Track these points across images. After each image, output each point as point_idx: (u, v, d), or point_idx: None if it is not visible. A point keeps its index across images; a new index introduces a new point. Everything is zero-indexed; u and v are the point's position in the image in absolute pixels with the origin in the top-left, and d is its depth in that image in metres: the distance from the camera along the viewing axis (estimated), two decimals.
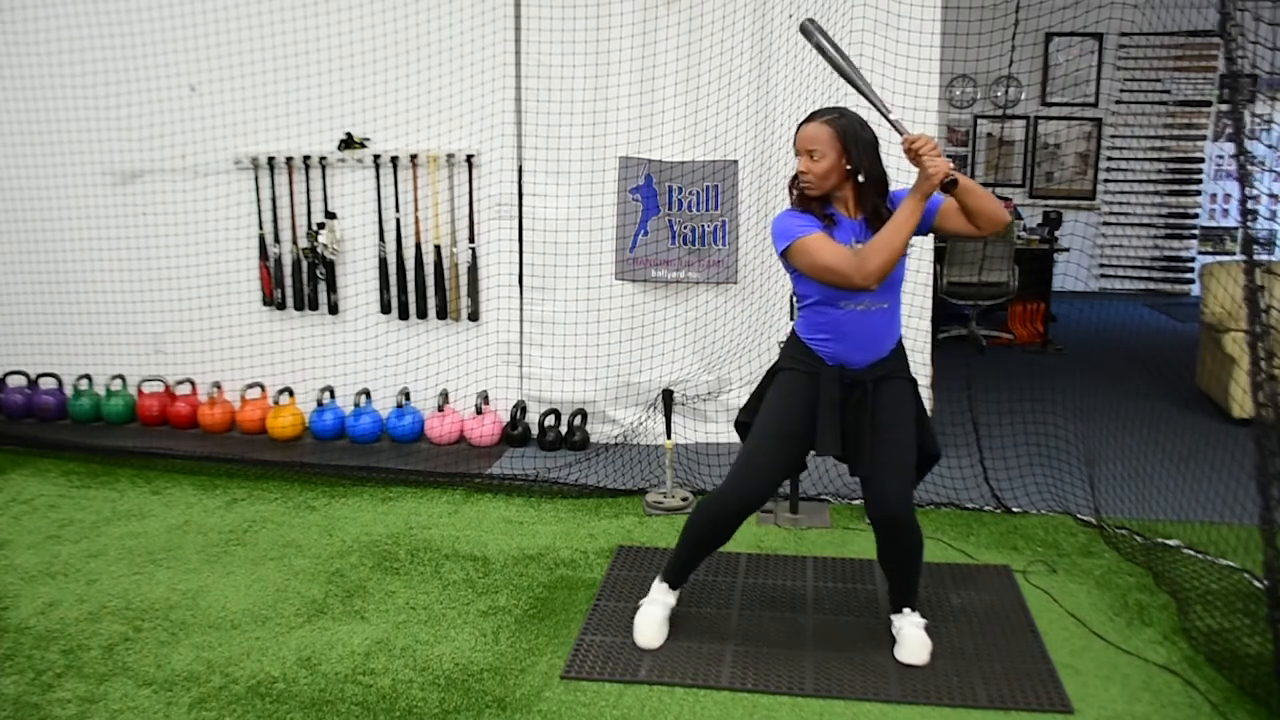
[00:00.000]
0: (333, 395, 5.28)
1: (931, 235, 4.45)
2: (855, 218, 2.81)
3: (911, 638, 2.98)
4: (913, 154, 2.62)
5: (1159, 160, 9.37)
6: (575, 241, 4.95)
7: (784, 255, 2.80)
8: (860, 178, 2.75)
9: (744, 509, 2.95)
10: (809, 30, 2.89)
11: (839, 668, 2.94)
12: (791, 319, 3.66)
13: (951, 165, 2.64)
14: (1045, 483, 4.36)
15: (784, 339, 3.07)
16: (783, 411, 2.90)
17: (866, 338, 2.83)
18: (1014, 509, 4.15)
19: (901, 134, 2.67)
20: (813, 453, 2.94)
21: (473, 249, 5.10)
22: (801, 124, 2.79)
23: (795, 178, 2.82)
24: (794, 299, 3.02)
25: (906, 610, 3.03)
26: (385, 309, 5.23)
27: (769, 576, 3.55)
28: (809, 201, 2.80)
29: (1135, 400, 5.60)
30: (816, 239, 2.72)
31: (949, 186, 2.63)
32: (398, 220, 5.16)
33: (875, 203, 2.78)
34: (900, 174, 4.68)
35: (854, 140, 2.72)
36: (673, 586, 3.14)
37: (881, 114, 2.74)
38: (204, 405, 5.41)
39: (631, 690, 2.85)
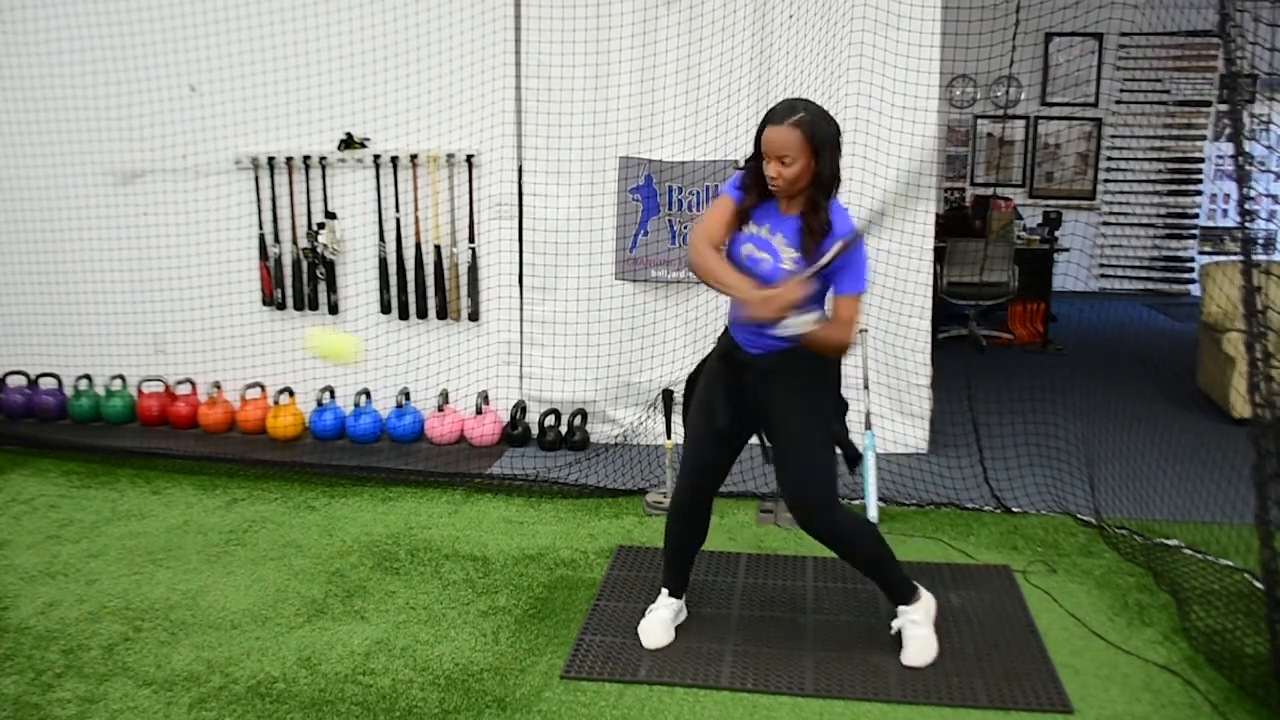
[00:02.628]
0: (333, 395, 5.28)
1: (931, 237, 4.47)
2: (791, 212, 2.74)
3: (911, 639, 2.97)
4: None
5: (1159, 160, 9.37)
6: (575, 241, 4.95)
7: None
8: (823, 178, 2.69)
9: (687, 495, 3.02)
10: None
11: (839, 668, 2.94)
12: None
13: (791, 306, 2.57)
14: (1045, 483, 4.36)
15: None
16: (699, 392, 2.98)
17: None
18: (1014, 509, 4.15)
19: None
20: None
21: (473, 249, 5.10)
22: (768, 125, 2.68)
23: (748, 165, 2.77)
24: None
25: (901, 608, 3.02)
26: (385, 309, 5.23)
27: (769, 576, 3.55)
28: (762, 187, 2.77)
29: (1135, 400, 5.60)
30: (718, 201, 2.79)
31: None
32: (398, 220, 5.16)
33: (816, 196, 2.70)
34: (900, 174, 4.69)
35: (821, 141, 2.65)
36: (672, 594, 3.17)
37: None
38: (204, 405, 5.41)
39: (631, 690, 2.85)
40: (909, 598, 3.01)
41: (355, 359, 3.29)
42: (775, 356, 2.79)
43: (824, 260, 2.62)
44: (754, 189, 2.77)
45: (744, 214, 2.78)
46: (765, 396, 2.83)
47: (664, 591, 3.18)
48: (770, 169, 2.68)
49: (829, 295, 2.76)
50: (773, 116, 2.68)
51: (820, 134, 2.65)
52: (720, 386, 2.90)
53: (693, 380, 3.07)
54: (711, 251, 2.72)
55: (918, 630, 2.98)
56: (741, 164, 2.87)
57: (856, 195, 4.58)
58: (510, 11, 4.83)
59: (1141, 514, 3.98)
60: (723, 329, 2.98)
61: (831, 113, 2.77)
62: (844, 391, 2.96)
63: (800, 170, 2.66)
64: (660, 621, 3.12)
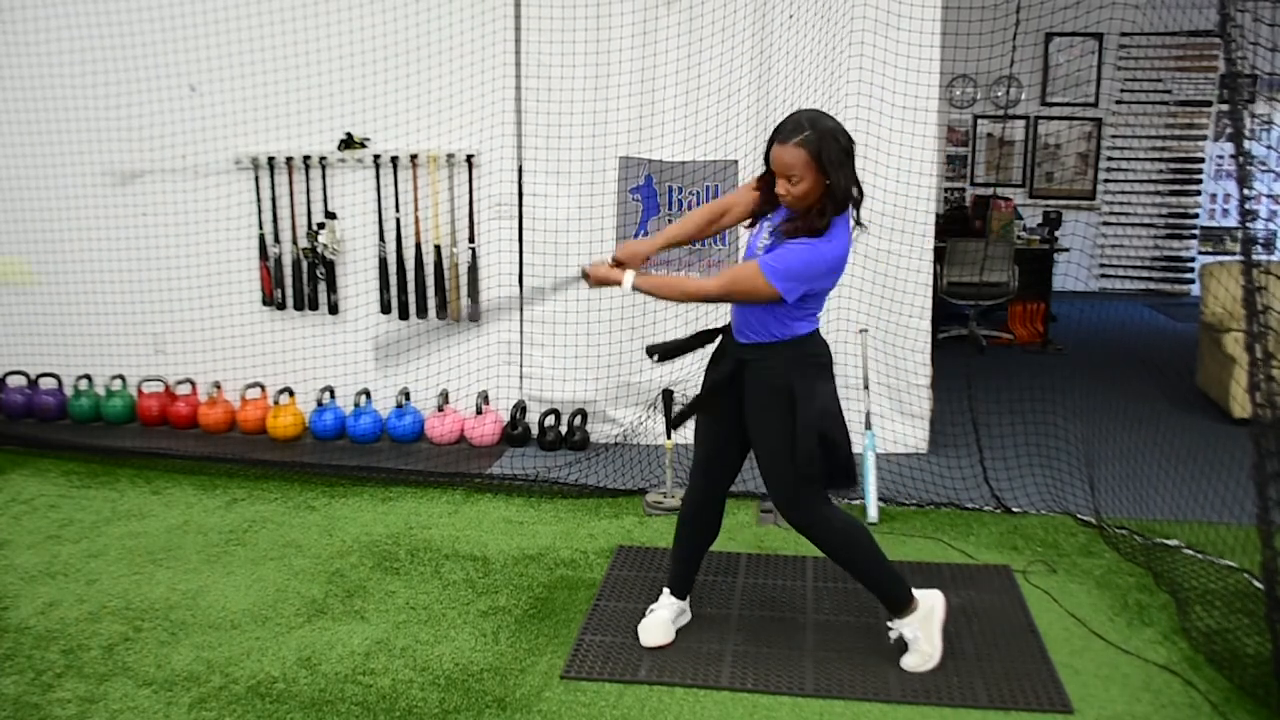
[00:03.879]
0: (333, 395, 5.28)
1: (931, 237, 4.47)
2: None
3: (910, 650, 2.94)
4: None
5: (1159, 160, 9.37)
6: (575, 241, 4.94)
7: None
8: (835, 193, 2.67)
9: (699, 495, 3.06)
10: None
11: (839, 668, 2.94)
12: None
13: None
14: (1045, 483, 4.36)
15: None
16: (703, 387, 3.02)
17: (736, 310, 2.89)
18: (1014, 509, 4.15)
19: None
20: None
21: (473, 249, 5.10)
22: (772, 142, 2.68)
23: (762, 180, 2.81)
24: None
25: (892, 622, 2.99)
26: (385, 309, 5.23)
27: (769, 576, 3.55)
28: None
29: (1135, 400, 5.60)
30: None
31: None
32: (398, 220, 5.16)
33: (824, 203, 2.67)
34: (901, 175, 4.69)
35: (829, 158, 2.61)
36: (674, 594, 3.17)
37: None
38: (204, 405, 5.41)
39: (631, 690, 2.85)
40: (901, 610, 2.96)
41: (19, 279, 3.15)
42: (750, 348, 2.85)
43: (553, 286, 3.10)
44: (768, 191, 2.78)
45: (763, 210, 2.85)
46: (745, 388, 2.87)
47: (666, 591, 3.17)
48: (779, 187, 2.70)
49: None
50: (779, 134, 2.67)
51: (827, 151, 2.61)
52: (717, 377, 2.93)
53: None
54: (701, 209, 2.89)
55: (914, 644, 2.94)
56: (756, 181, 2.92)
57: None
58: (510, 11, 4.83)
59: (1141, 514, 3.98)
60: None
61: (833, 114, 2.77)
62: (844, 391, 2.95)
63: (808, 188, 2.66)
64: (660, 621, 3.11)
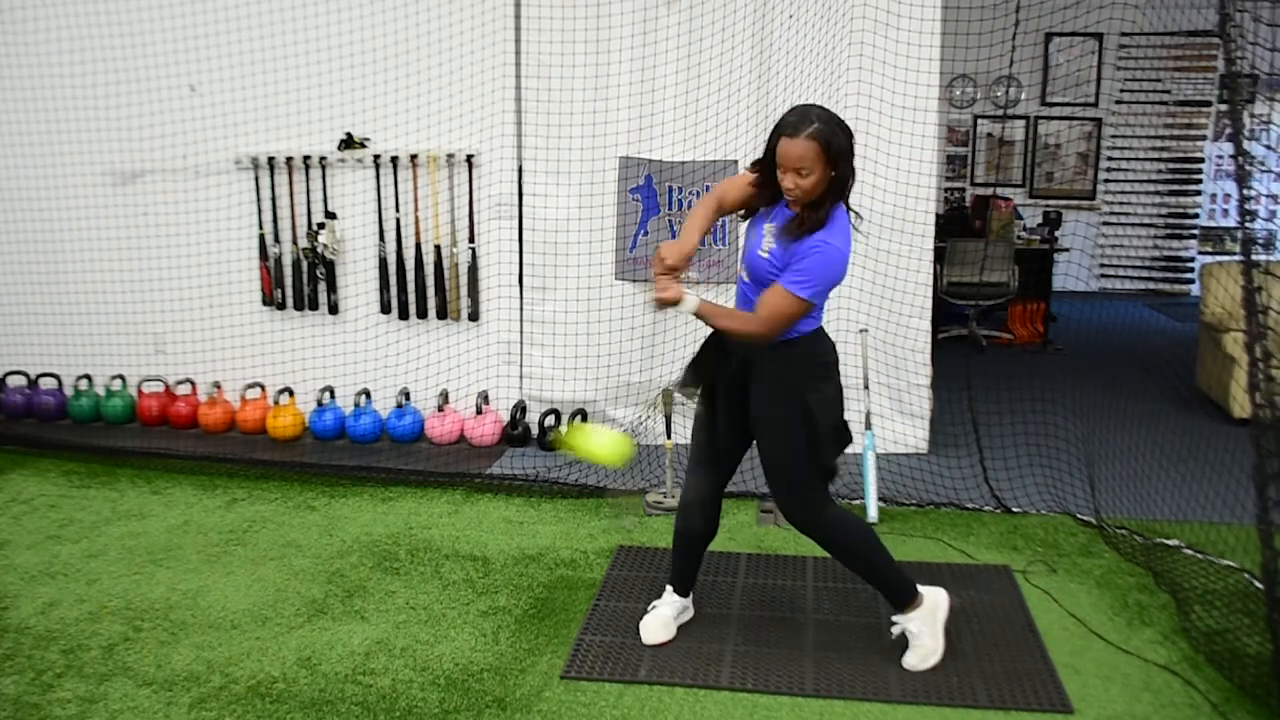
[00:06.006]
0: (333, 395, 5.28)
1: (931, 237, 4.46)
2: (795, 206, 2.75)
3: (911, 647, 2.95)
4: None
5: (1159, 160, 9.37)
6: (575, 241, 4.95)
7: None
8: (838, 184, 2.69)
9: (693, 489, 3.02)
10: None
11: (839, 668, 2.94)
12: None
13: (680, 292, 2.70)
14: (1045, 483, 4.36)
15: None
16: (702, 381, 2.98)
17: (741, 308, 2.89)
18: (1014, 509, 4.15)
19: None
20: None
21: (473, 249, 5.10)
22: (781, 136, 2.66)
23: (759, 174, 2.79)
24: None
25: (897, 617, 2.99)
26: (385, 309, 5.23)
27: (769, 576, 3.55)
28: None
29: (1135, 400, 5.60)
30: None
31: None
32: (398, 220, 5.16)
33: (823, 195, 2.68)
34: (901, 175, 4.69)
35: (838, 149, 2.65)
36: (677, 591, 3.18)
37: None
38: (204, 405, 5.41)
39: (631, 690, 2.85)
40: (905, 605, 2.97)
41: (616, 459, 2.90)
42: (759, 348, 2.80)
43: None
44: (766, 186, 2.77)
45: (757, 205, 2.83)
46: (752, 386, 2.85)
47: (669, 588, 3.18)
48: (787, 180, 2.67)
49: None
50: (786, 127, 2.65)
51: (836, 143, 2.63)
52: (716, 373, 2.90)
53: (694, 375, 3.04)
54: (702, 204, 2.80)
55: (916, 639, 2.95)
56: (751, 169, 2.87)
57: (855, 195, 4.57)
58: (510, 11, 4.84)
59: (1141, 514, 3.98)
60: None
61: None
62: (844, 391, 2.94)
63: (817, 180, 2.65)
64: (661, 619, 3.13)
